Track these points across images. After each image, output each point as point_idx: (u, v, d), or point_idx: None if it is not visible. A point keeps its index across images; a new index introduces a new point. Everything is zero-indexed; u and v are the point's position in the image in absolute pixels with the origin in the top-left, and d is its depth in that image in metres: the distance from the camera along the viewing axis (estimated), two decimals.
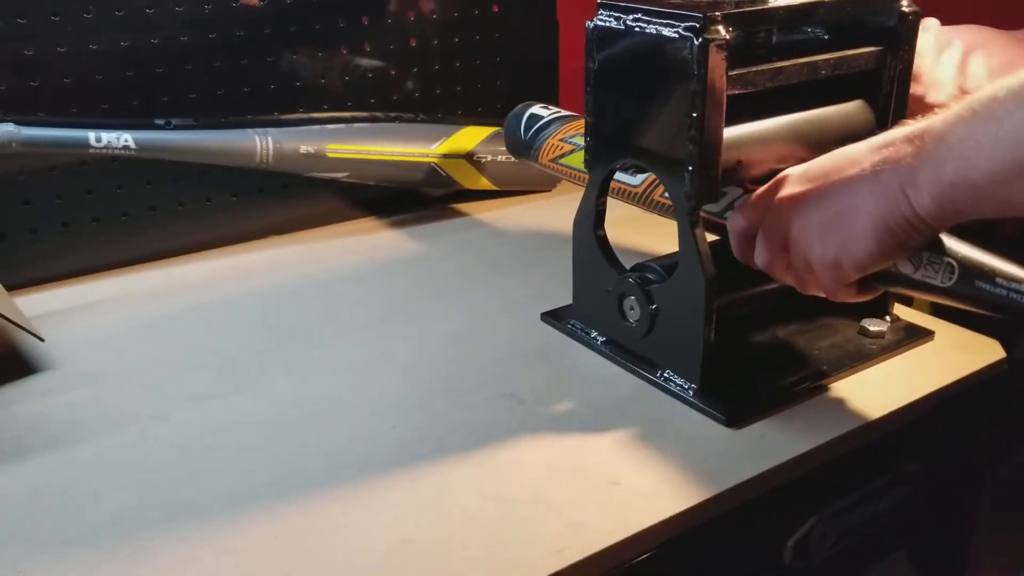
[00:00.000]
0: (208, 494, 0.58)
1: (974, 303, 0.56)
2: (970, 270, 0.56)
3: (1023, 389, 0.75)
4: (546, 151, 0.90)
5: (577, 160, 0.86)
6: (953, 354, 0.73)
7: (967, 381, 0.70)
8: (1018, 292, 0.54)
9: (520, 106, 0.97)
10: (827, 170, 0.59)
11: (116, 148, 0.86)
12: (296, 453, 0.63)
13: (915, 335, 0.75)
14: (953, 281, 0.56)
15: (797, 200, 0.59)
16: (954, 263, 0.56)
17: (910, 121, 0.55)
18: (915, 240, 0.55)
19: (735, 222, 0.65)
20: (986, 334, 0.75)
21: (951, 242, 0.57)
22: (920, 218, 0.53)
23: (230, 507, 0.57)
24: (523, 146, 0.94)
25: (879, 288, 0.61)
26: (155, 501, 0.58)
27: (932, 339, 0.75)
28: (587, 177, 0.74)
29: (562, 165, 0.89)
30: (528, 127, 0.93)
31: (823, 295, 0.62)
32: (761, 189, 0.63)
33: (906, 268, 0.58)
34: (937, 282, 0.57)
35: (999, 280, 0.55)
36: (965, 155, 0.50)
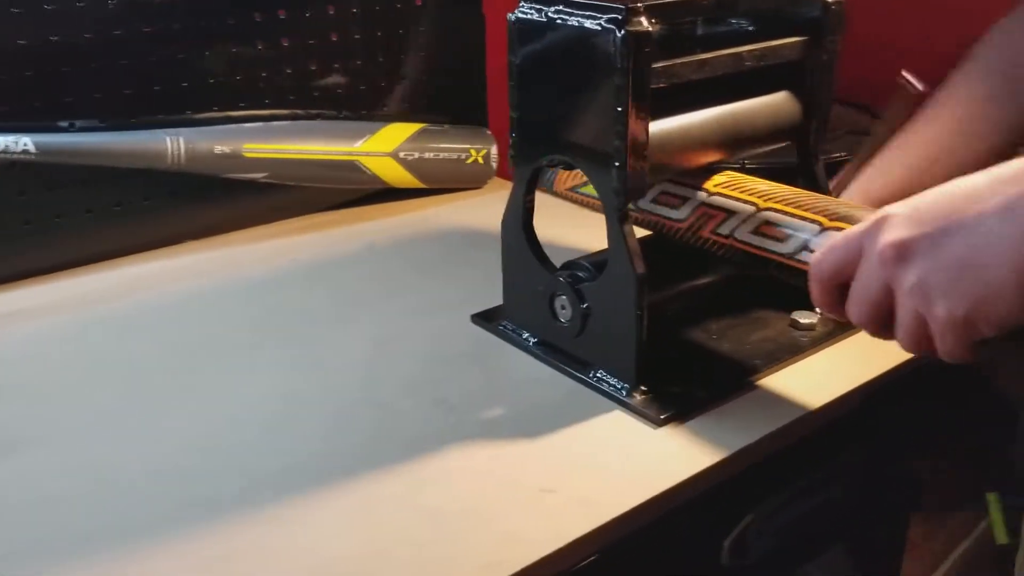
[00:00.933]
0: (124, 518, 0.55)
1: None
2: None
3: (953, 378, 0.76)
4: (562, 179, 0.85)
5: None
6: (884, 344, 0.73)
7: (898, 371, 0.71)
8: None
9: None
10: (943, 210, 0.49)
11: (14, 152, 0.81)
12: (214, 471, 0.60)
13: (846, 326, 0.75)
14: None
15: (908, 247, 0.49)
16: None
17: None
18: None
19: (821, 268, 0.55)
20: None
21: None
22: None
23: (144, 532, 0.54)
24: None
25: (1001, 346, 0.51)
26: (68, 527, 0.55)
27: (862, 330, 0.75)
28: None
29: (581, 194, 0.82)
30: None
31: (934, 355, 0.52)
32: (853, 230, 0.54)
33: None
34: None
35: None
36: None
